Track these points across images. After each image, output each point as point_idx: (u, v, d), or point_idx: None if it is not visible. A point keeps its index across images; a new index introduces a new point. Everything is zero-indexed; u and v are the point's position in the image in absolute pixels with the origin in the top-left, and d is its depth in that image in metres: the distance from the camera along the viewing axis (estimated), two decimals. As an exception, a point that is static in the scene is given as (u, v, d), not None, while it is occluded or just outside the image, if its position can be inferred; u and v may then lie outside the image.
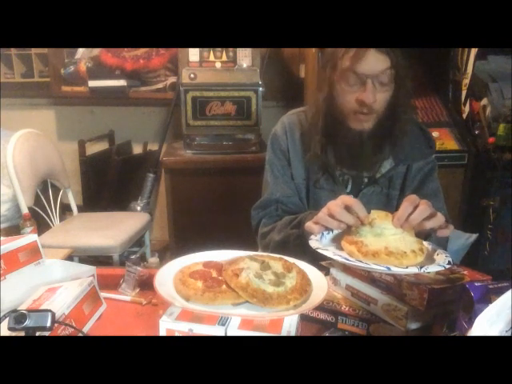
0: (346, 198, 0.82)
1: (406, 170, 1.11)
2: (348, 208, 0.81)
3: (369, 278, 0.77)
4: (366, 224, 0.79)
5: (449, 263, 0.71)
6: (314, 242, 0.79)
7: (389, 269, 0.68)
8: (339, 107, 1.01)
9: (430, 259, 0.77)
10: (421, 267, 0.68)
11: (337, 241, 0.83)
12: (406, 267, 0.69)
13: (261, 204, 1.15)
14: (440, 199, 1.12)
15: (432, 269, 0.70)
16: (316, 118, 1.05)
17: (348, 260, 0.71)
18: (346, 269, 0.82)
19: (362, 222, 0.79)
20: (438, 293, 0.69)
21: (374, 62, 0.94)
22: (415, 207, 0.77)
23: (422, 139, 1.13)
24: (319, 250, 0.75)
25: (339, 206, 0.81)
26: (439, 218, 0.78)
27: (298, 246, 0.96)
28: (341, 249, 0.78)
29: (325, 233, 0.85)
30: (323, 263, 0.85)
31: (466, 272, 0.78)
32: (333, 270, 0.84)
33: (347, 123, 1.02)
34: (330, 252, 0.74)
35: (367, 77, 0.94)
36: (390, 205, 1.09)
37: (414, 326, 0.70)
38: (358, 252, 0.72)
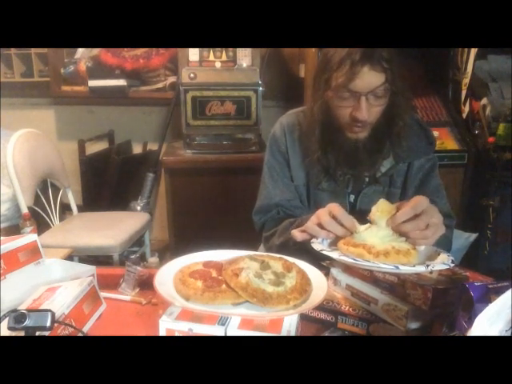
0: (332, 207, 0.82)
1: (407, 168, 1.10)
2: (336, 218, 0.81)
3: (371, 277, 0.77)
4: (357, 231, 0.79)
5: (452, 262, 0.72)
6: (317, 245, 0.79)
7: (397, 267, 0.68)
8: (334, 118, 1.01)
9: (432, 259, 0.77)
10: (427, 265, 0.69)
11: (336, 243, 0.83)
12: (414, 265, 0.69)
13: (261, 209, 1.15)
14: (442, 196, 1.12)
15: (438, 267, 0.70)
16: (313, 126, 1.05)
17: (356, 260, 0.71)
18: (347, 269, 0.82)
19: (350, 231, 0.79)
20: (441, 293, 0.69)
21: (369, 79, 0.92)
22: (415, 215, 0.76)
23: (422, 136, 1.12)
24: (324, 252, 0.75)
25: (327, 215, 0.81)
26: (424, 234, 0.77)
27: (297, 250, 0.95)
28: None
29: None
30: (324, 263, 0.85)
31: (468, 274, 0.78)
32: (333, 270, 0.84)
33: (343, 132, 1.02)
34: (335, 253, 0.74)
35: (361, 94, 0.93)
36: (392, 203, 1.09)
37: (414, 325, 0.70)
38: (368, 254, 0.72)
